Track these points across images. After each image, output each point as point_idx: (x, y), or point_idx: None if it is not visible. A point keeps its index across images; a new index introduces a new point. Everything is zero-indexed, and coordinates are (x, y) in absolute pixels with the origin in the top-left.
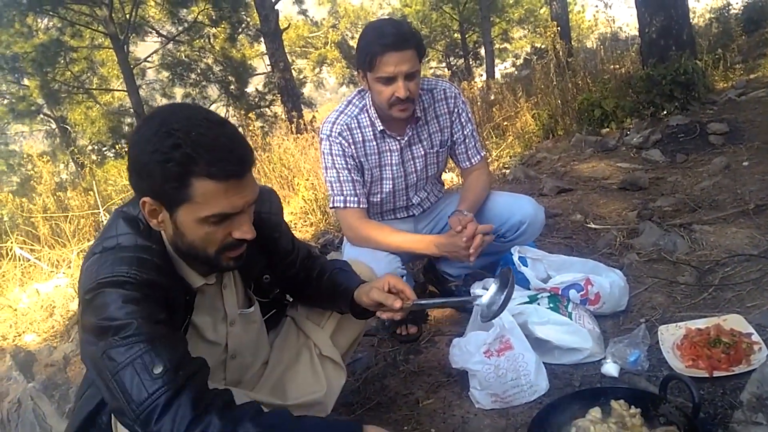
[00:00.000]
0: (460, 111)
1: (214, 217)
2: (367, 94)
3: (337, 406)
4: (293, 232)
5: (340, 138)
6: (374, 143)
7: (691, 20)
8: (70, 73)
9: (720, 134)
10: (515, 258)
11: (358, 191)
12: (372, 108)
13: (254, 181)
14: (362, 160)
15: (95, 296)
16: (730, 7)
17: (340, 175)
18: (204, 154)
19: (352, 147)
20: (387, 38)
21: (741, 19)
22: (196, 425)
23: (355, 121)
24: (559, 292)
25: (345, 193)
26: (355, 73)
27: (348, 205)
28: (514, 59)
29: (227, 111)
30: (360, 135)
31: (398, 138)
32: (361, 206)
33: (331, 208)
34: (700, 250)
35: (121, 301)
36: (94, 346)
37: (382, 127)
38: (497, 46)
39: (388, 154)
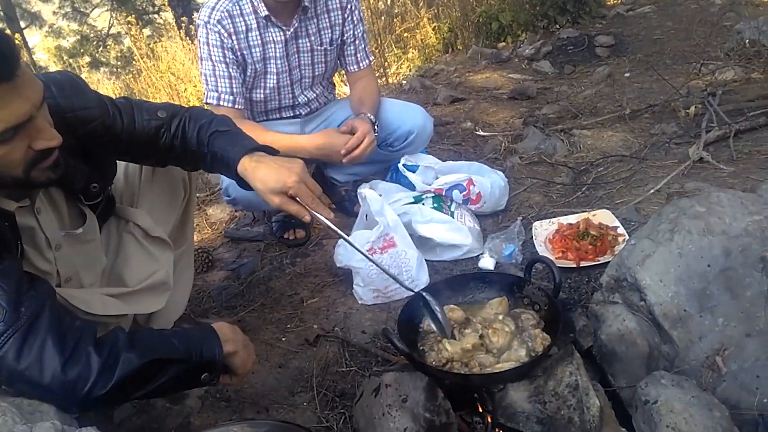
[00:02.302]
0: (354, 8)
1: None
2: None
3: (219, 308)
4: None
5: (219, 26)
6: (257, 33)
7: None
8: None
9: (606, 47)
10: (400, 165)
11: (234, 89)
12: None
13: (32, 77)
14: (245, 53)
15: None
16: None
17: (216, 68)
18: None
19: (233, 38)
20: None
21: None
22: (73, 366)
23: (237, 7)
24: (443, 193)
25: (219, 89)
26: None
27: (221, 103)
28: None
29: (112, 16)
30: (243, 23)
31: (284, 27)
32: (237, 106)
33: (204, 103)
34: (577, 152)
35: None
36: None
37: (266, 13)
38: None
39: (272, 45)
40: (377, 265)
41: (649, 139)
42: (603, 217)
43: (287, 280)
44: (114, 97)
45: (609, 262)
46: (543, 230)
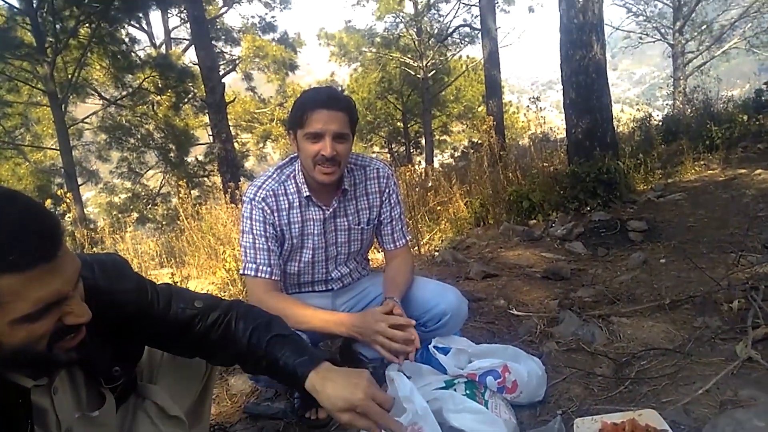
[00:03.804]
0: (391, 192)
1: (32, 315)
2: (297, 162)
3: None
4: None
5: (263, 204)
6: (298, 210)
7: (614, 125)
8: (1, 127)
9: (639, 231)
10: (431, 347)
11: (272, 262)
12: (300, 174)
13: (70, 255)
14: (284, 228)
15: None
16: (651, 118)
17: (257, 242)
18: None
19: (275, 215)
20: (320, 96)
21: (660, 130)
22: None
23: (282, 187)
24: (476, 379)
25: (258, 261)
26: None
27: (259, 274)
28: (453, 151)
29: (164, 177)
30: (286, 201)
31: (323, 207)
32: (273, 278)
33: (241, 274)
34: (617, 342)
35: None
36: None
37: (308, 194)
38: (437, 137)
39: (311, 223)
40: None
41: (692, 333)
42: (650, 417)
43: None
44: (156, 283)
45: None
46: (585, 429)
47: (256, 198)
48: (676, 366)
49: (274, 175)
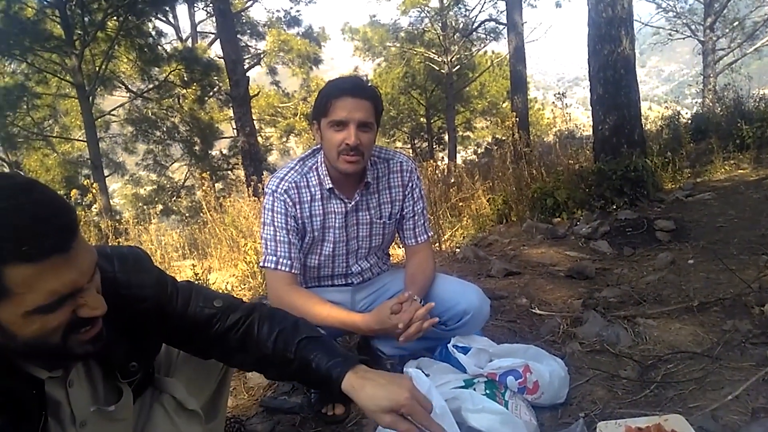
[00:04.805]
0: (414, 186)
1: (45, 306)
2: (320, 153)
3: None
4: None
5: (285, 196)
6: (320, 203)
7: (642, 123)
8: (30, 118)
9: (667, 231)
10: (450, 346)
11: (292, 255)
12: (323, 166)
13: (87, 246)
14: (305, 221)
15: None
16: (680, 116)
17: (278, 234)
18: (8, 232)
19: (297, 207)
20: (345, 84)
21: (689, 128)
22: None
23: (305, 179)
24: (497, 378)
25: (278, 254)
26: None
27: (279, 267)
28: (476, 147)
29: (189, 170)
30: (308, 194)
31: (345, 200)
32: (293, 271)
33: (260, 267)
34: (643, 344)
35: None
36: None
37: (330, 186)
38: (460, 133)
39: (333, 216)
40: None
41: (721, 336)
42: (676, 423)
43: None
44: (178, 280)
45: None
46: None
47: (279, 190)
48: (704, 370)
49: (297, 167)
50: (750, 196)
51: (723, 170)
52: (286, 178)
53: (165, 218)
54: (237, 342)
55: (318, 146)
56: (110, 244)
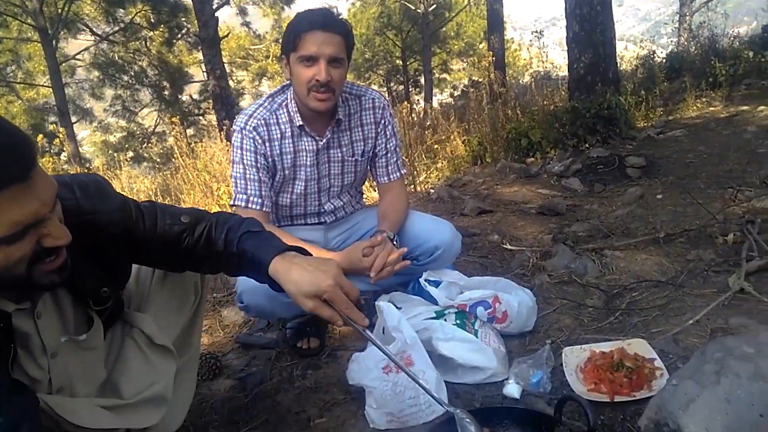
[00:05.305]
0: (387, 123)
1: (8, 238)
2: (289, 90)
3: (221, 422)
4: None
5: (255, 133)
6: (291, 141)
7: (617, 61)
8: None
9: (637, 167)
10: (422, 280)
11: (263, 193)
12: (293, 103)
13: (46, 176)
14: (276, 159)
15: None
16: (655, 55)
17: (247, 172)
18: None
19: (266, 145)
20: (315, 17)
21: (664, 67)
22: None
23: (274, 116)
24: (467, 309)
25: (249, 192)
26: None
27: (250, 205)
28: (452, 90)
29: (159, 116)
30: (277, 131)
31: (317, 138)
32: (264, 209)
33: (231, 206)
34: (609, 274)
35: None
36: None
37: (300, 123)
38: (437, 75)
39: (304, 153)
40: (420, 384)
41: (685, 266)
42: (638, 347)
43: (296, 394)
44: (139, 201)
45: (646, 398)
46: (574, 357)
47: (247, 127)
48: (667, 297)
49: (266, 104)
50: (720, 133)
51: (695, 108)
52: (255, 115)
53: (136, 165)
54: (202, 250)
55: (288, 83)
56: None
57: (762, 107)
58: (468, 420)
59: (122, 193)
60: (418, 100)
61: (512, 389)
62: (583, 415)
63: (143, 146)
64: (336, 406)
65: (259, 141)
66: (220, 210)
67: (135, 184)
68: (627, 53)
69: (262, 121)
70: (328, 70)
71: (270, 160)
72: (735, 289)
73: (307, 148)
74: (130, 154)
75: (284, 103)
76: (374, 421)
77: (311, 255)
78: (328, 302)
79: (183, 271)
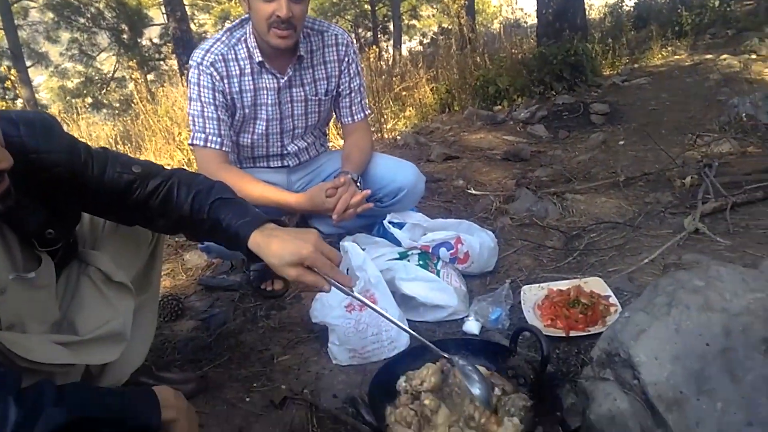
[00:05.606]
0: (351, 61)
1: None
2: (248, 24)
3: (183, 361)
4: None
5: (212, 69)
6: (250, 78)
7: (585, 8)
8: None
9: (601, 114)
10: (386, 222)
11: (222, 132)
12: (252, 38)
13: None
14: (235, 97)
15: None
16: (623, 4)
17: (205, 110)
18: None
19: (225, 81)
20: None
21: (632, 16)
22: None
23: (232, 51)
24: (430, 250)
25: (207, 131)
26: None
27: (209, 144)
28: (421, 37)
29: (118, 61)
30: (237, 67)
31: (278, 75)
32: (224, 149)
33: (189, 144)
34: (569, 216)
35: None
36: None
37: (260, 59)
38: (406, 22)
39: (265, 92)
40: (408, 331)
41: (643, 208)
42: (594, 285)
43: (259, 333)
44: (92, 146)
45: (600, 333)
46: (532, 295)
47: (204, 63)
48: (624, 238)
49: (224, 39)
50: (683, 81)
51: (660, 56)
52: (212, 50)
53: (95, 111)
54: (158, 207)
55: (246, 16)
56: None
57: (725, 55)
58: (470, 368)
59: (72, 135)
60: (386, 47)
61: (472, 326)
62: (538, 346)
63: (102, 92)
64: (299, 344)
65: (217, 77)
66: (181, 159)
67: (94, 131)
68: (596, 1)
69: (220, 57)
70: (289, 5)
71: (229, 97)
72: (690, 229)
73: (267, 86)
74: (89, 100)
75: (243, 38)
76: (337, 357)
77: (287, 225)
78: (311, 269)
79: (133, 225)
